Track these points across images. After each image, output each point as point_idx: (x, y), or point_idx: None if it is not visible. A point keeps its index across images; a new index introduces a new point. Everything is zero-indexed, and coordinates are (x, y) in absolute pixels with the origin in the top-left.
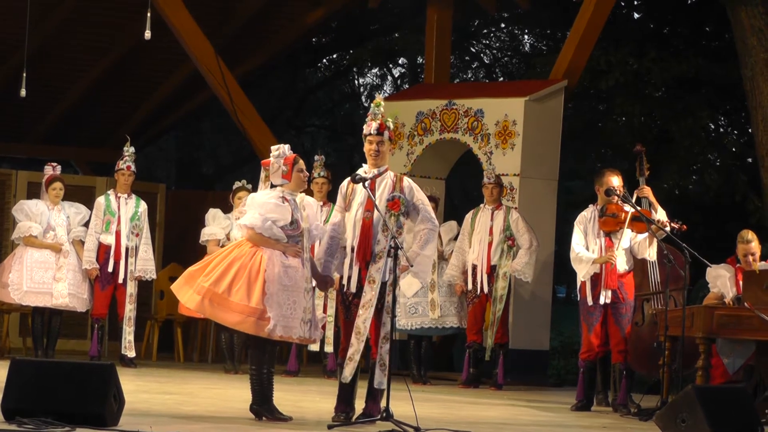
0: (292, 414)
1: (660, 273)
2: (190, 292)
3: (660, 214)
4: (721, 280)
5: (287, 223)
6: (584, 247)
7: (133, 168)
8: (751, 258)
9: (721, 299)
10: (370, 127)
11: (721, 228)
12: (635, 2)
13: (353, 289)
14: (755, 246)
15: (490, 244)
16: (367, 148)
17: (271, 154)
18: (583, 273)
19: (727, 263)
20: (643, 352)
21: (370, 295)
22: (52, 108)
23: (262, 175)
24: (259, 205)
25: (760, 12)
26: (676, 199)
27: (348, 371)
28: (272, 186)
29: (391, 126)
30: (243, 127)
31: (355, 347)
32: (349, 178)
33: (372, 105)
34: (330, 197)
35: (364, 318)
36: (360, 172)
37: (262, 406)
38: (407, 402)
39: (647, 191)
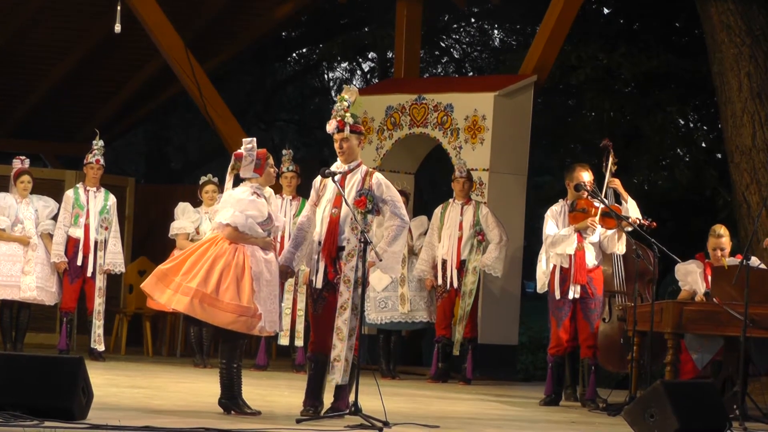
0: (260, 408)
1: (625, 269)
2: (168, 292)
3: (630, 205)
4: (692, 277)
5: (264, 219)
6: None
7: (102, 161)
8: (720, 253)
9: (694, 296)
10: (331, 126)
11: (690, 223)
12: None
13: (319, 285)
14: (726, 241)
15: (459, 239)
16: (335, 146)
17: (243, 147)
18: (568, 247)
19: (695, 259)
20: (609, 349)
21: (347, 294)
22: (21, 102)
23: (230, 166)
24: (236, 202)
25: (730, 8)
26: (646, 194)
27: (338, 374)
28: (238, 178)
29: (351, 120)
30: (212, 121)
31: (339, 348)
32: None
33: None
34: (299, 191)
35: (344, 318)
36: (333, 167)
37: (231, 401)
38: (376, 396)
39: (616, 182)
